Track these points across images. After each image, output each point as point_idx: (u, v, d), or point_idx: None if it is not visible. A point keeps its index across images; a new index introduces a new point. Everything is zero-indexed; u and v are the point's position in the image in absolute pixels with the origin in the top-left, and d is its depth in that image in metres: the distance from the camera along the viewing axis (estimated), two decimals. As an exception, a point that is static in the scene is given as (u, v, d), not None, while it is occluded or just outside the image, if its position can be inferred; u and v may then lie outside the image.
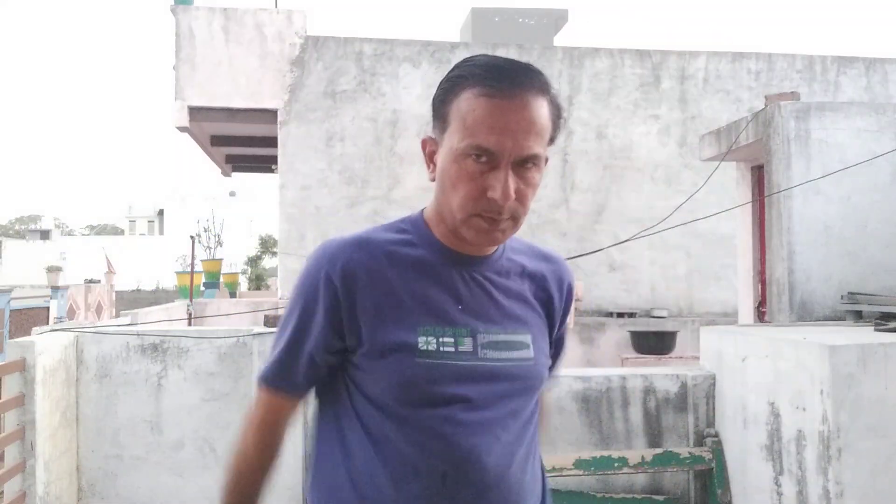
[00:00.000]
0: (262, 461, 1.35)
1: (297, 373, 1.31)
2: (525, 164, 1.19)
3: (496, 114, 1.15)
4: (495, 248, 1.32)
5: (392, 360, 1.21)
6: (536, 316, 1.34)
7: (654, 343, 8.46)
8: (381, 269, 1.25)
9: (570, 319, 1.49)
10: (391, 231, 1.31)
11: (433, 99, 1.27)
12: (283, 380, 1.32)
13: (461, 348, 1.23)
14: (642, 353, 8.45)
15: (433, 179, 1.26)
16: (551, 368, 1.43)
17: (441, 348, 1.22)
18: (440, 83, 1.25)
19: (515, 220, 1.22)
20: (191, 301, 9.94)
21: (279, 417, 1.35)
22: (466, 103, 1.17)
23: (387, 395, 1.23)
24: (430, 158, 1.27)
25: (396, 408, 1.22)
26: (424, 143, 1.29)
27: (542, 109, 1.19)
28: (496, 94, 1.16)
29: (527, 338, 1.30)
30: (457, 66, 1.23)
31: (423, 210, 1.33)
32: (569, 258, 1.75)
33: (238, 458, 1.36)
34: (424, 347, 1.21)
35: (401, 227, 1.31)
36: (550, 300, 1.38)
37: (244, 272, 25.42)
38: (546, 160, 1.24)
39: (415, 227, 1.31)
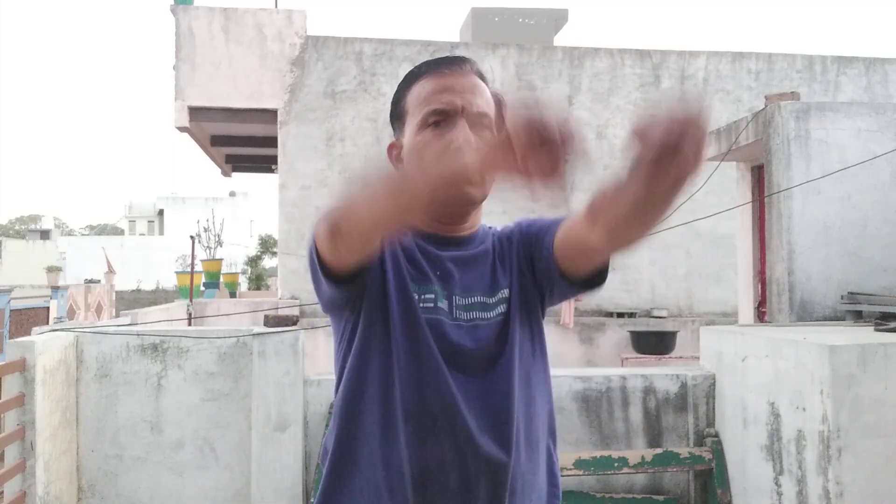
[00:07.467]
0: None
1: None
2: (479, 123, 1.29)
3: (444, 82, 1.32)
4: (474, 230, 1.39)
5: (394, 307, 1.30)
6: (515, 274, 1.38)
7: (654, 343, 8.47)
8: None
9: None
10: None
11: (391, 106, 1.41)
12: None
13: (439, 305, 1.32)
14: (642, 353, 8.46)
15: None
16: (556, 224, 1.36)
17: (438, 304, 1.32)
18: (394, 94, 1.40)
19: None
20: (191, 301, 9.91)
21: None
22: (419, 88, 1.34)
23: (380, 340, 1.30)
24: (396, 161, 1.39)
25: (382, 349, 1.29)
26: (390, 150, 1.41)
27: (483, 86, 1.34)
28: (441, 70, 1.34)
29: (505, 293, 1.36)
30: (406, 74, 1.39)
31: None
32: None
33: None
34: (416, 297, 1.31)
35: None
36: (519, 244, 1.40)
37: (244, 272, 25.41)
38: None
39: None
